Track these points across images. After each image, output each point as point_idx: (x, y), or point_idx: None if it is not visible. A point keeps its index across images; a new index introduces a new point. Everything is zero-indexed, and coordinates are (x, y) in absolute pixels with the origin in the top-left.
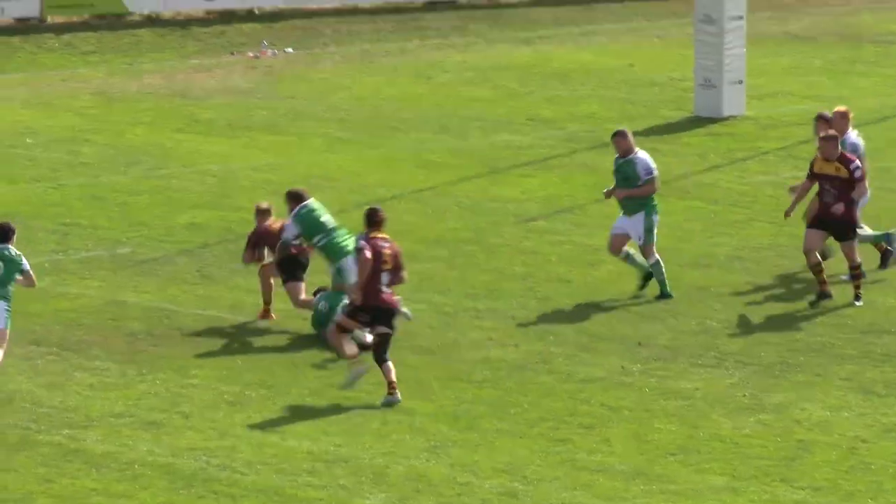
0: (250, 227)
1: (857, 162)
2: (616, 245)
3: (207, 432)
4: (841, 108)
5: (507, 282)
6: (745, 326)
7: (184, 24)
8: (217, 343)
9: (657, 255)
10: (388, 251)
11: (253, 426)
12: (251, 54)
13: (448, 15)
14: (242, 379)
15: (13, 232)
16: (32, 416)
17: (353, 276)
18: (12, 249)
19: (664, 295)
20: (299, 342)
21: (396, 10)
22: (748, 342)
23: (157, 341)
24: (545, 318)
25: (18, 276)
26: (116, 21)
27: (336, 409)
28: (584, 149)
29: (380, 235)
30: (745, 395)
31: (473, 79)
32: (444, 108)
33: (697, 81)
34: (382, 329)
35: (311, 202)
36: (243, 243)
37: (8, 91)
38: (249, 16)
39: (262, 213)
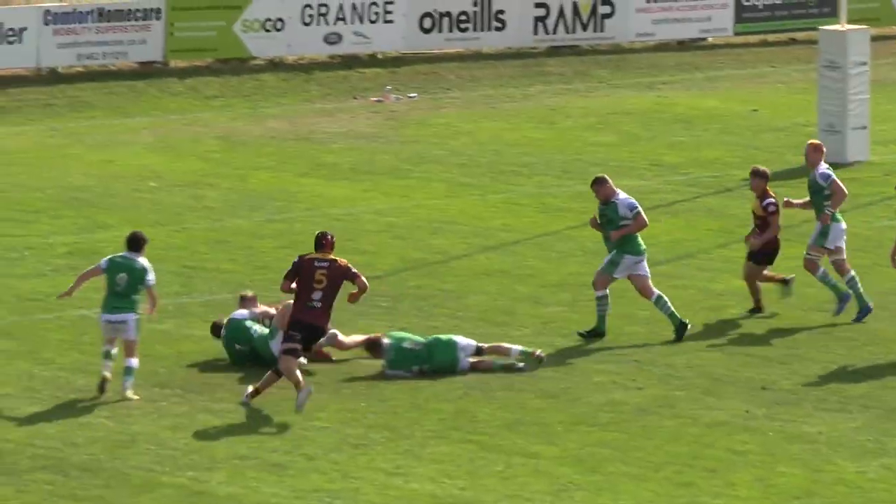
0: (375, 270)
1: None
2: (600, 283)
3: (331, 474)
4: (814, 141)
5: (630, 325)
6: (868, 370)
7: (307, 68)
8: (341, 386)
9: (656, 291)
10: (321, 271)
11: (376, 468)
12: (374, 99)
13: (571, 60)
14: (366, 421)
15: (144, 242)
16: (157, 457)
17: None
18: (140, 261)
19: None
20: (422, 385)
21: (519, 55)
22: (872, 386)
23: (282, 384)
24: (668, 362)
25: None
26: (240, 65)
27: (459, 452)
28: (708, 194)
29: (318, 255)
30: (868, 439)
31: (596, 124)
32: (567, 153)
33: (821, 127)
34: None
35: None
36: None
37: (132, 135)
38: (372, 60)
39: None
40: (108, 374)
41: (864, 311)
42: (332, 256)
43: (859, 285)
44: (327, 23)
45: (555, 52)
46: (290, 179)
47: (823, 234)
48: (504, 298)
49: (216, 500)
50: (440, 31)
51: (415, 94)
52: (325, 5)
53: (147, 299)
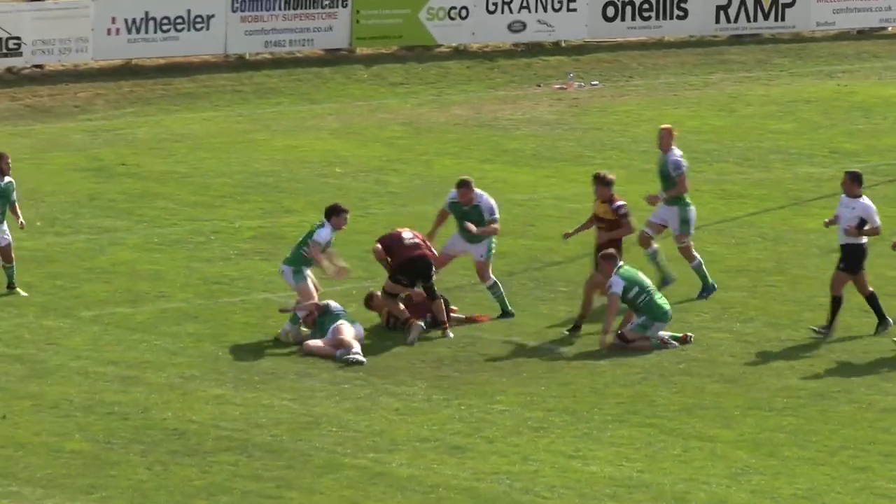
0: (555, 256)
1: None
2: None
3: (511, 457)
4: (666, 125)
5: (809, 312)
6: None
7: (491, 56)
8: (522, 369)
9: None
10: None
11: (556, 451)
12: (557, 86)
13: (752, 49)
14: (545, 405)
15: (335, 213)
16: (339, 439)
17: None
18: (320, 229)
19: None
20: (601, 369)
21: (701, 43)
22: None
23: (462, 367)
24: (846, 348)
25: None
26: (424, 53)
27: (638, 435)
28: (886, 182)
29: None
30: None
31: (776, 112)
32: (747, 141)
33: None
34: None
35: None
36: (550, 272)
37: (318, 121)
38: (556, 48)
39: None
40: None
41: (708, 289)
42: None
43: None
44: (511, 11)
45: (736, 40)
46: (474, 165)
47: (685, 221)
48: (684, 284)
49: (397, 480)
50: (623, 19)
51: (597, 82)
52: None
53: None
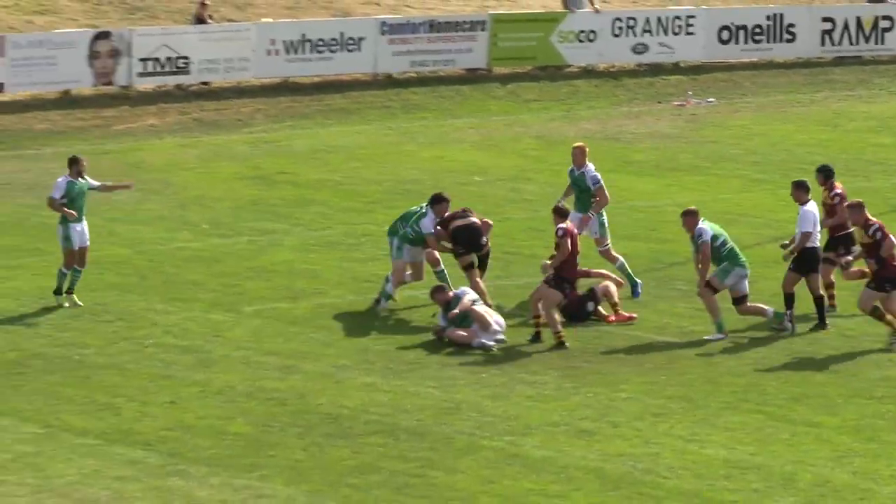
0: (676, 257)
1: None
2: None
3: (634, 440)
4: (579, 143)
5: None
6: None
7: (616, 75)
8: (644, 361)
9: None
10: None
11: (675, 435)
12: (676, 103)
13: (854, 69)
14: (665, 393)
15: (437, 202)
16: (478, 423)
17: None
18: (424, 219)
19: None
20: (716, 361)
21: (807, 64)
22: None
23: (590, 358)
24: None
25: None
26: (556, 72)
27: (750, 421)
28: None
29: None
30: None
31: (876, 127)
32: (850, 153)
33: None
34: None
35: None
36: (671, 272)
37: (459, 134)
38: (676, 68)
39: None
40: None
41: (634, 288)
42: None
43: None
44: (635, 34)
45: (840, 61)
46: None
47: (603, 225)
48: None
49: (530, 461)
50: (736, 42)
51: (713, 99)
52: (633, 18)
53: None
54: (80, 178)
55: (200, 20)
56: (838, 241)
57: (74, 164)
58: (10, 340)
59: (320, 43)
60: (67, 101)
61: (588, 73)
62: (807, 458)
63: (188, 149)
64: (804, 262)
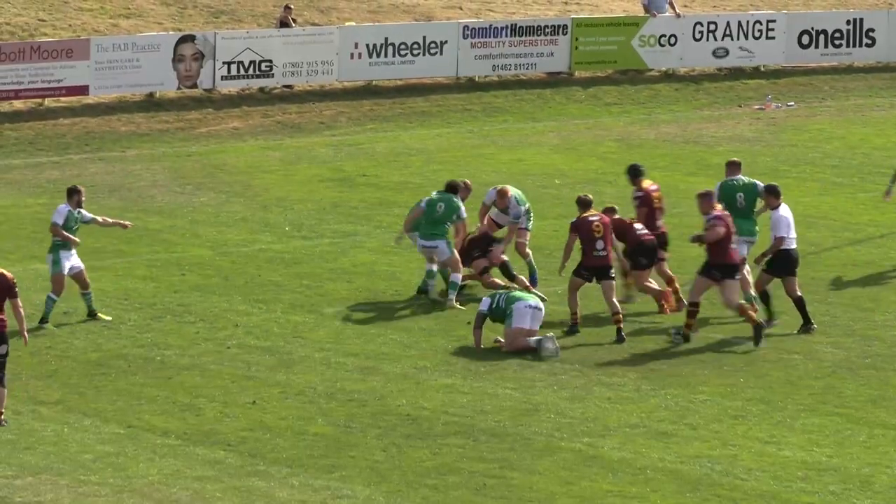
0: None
1: None
2: None
3: (712, 442)
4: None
5: None
6: None
7: (697, 79)
8: (722, 363)
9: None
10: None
11: (752, 437)
12: (756, 107)
13: None
14: (744, 395)
15: (457, 189)
16: (556, 425)
17: None
18: (457, 199)
19: None
20: (795, 362)
21: (888, 68)
22: None
23: (668, 361)
24: None
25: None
26: (637, 76)
27: (827, 424)
28: None
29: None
30: None
31: None
32: None
33: None
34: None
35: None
36: (751, 274)
37: (539, 137)
38: (756, 72)
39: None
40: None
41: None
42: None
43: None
44: (716, 38)
45: None
46: (681, 178)
47: (528, 217)
48: (871, 286)
49: (608, 463)
50: (816, 46)
51: (793, 103)
52: (714, 23)
53: (456, 232)
54: (78, 209)
55: (284, 24)
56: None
57: (74, 194)
58: (92, 341)
59: (403, 47)
60: (151, 103)
61: (668, 76)
62: (884, 461)
63: (270, 151)
64: (780, 264)
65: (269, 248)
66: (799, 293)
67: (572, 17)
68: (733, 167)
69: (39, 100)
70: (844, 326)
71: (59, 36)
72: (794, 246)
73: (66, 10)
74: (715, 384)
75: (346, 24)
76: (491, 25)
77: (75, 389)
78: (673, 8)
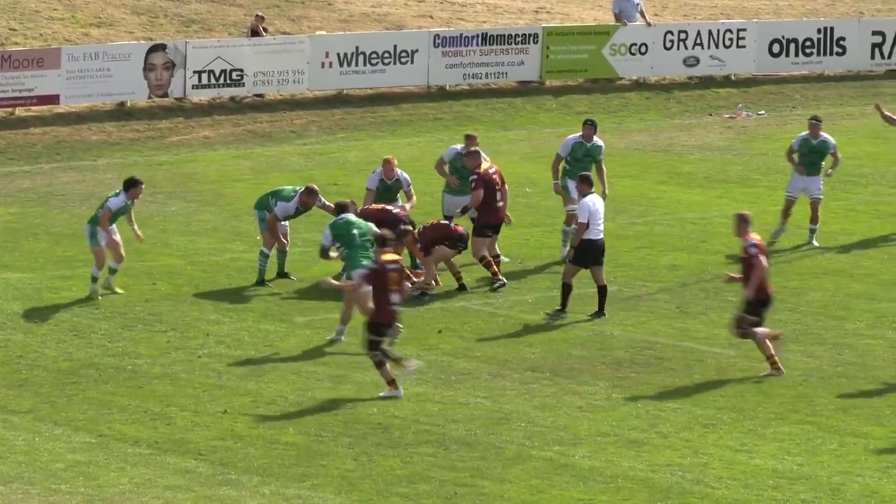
0: (725, 269)
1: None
2: None
3: (683, 450)
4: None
5: None
6: None
7: (667, 87)
8: (693, 371)
9: None
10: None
11: (723, 446)
12: (727, 115)
13: None
14: (715, 403)
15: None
16: (527, 433)
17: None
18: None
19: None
20: (760, 369)
21: (858, 77)
22: None
23: (639, 369)
24: None
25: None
26: (608, 85)
27: (798, 432)
28: None
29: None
30: None
31: None
32: None
33: None
34: None
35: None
36: (721, 283)
37: (511, 146)
38: (726, 81)
39: None
40: None
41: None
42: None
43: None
44: (686, 47)
45: (891, 74)
46: (651, 186)
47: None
48: (841, 295)
49: (580, 471)
50: (787, 55)
51: (763, 112)
52: (684, 31)
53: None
54: (133, 200)
55: (255, 33)
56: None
57: (133, 186)
58: (62, 350)
59: (374, 56)
60: (122, 112)
61: (639, 85)
62: (854, 469)
63: (242, 160)
64: (583, 254)
65: (241, 257)
66: (604, 282)
67: (543, 25)
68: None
69: (10, 109)
70: (815, 335)
71: (30, 45)
72: (600, 236)
73: (37, 20)
74: (685, 393)
75: (317, 33)
76: (462, 34)
77: (46, 398)
78: (643, 17)
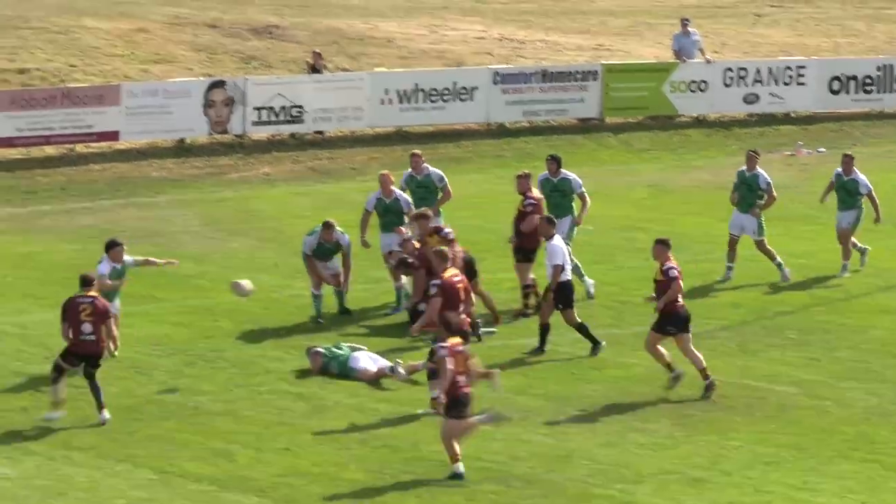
0: (785, 306)
1: None
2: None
3: (745, 488)
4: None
5: None
6: None
7: (727, 125)
8: (755, 409)
9: None
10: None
11: (786, 484)
12: (787, 153)
13: None
14: (776, 441)
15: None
16: (589, 471)
17: None
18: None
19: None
20: (827, 408)
21: None
22: None
23: (701, 407)
24: None
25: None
26: (668, 122)
27: (860, 470)
28: None
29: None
30: None
31: None
32: None
33: None
34: None
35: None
36: (781, 321)
37: None
38: (786, 118)
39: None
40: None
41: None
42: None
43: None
44: (746, 85)
45: None
46: (713, 224)
47: None
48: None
49: None
50: (847, 92)
51: (823, 149)
52: (744, 69)
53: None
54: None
55: (314, 69)
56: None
57: (112, 247)
58: (125, 387)
59: (433, 92)
60: (182, 149)
61: (699, 122)
62: None
63: (302, 197)
64: (566, 295)
65: (301, 294)
66: (579, 320)
67: (603, 62)
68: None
69: (71, 145)
70: (877, 373)
71: (90, 81)
72: (570, 277)
73: (97, 56)
74: (747, 430)
75: (376, 69)
76: (521, 71)
77: (108, 435)
78: (703, 54)
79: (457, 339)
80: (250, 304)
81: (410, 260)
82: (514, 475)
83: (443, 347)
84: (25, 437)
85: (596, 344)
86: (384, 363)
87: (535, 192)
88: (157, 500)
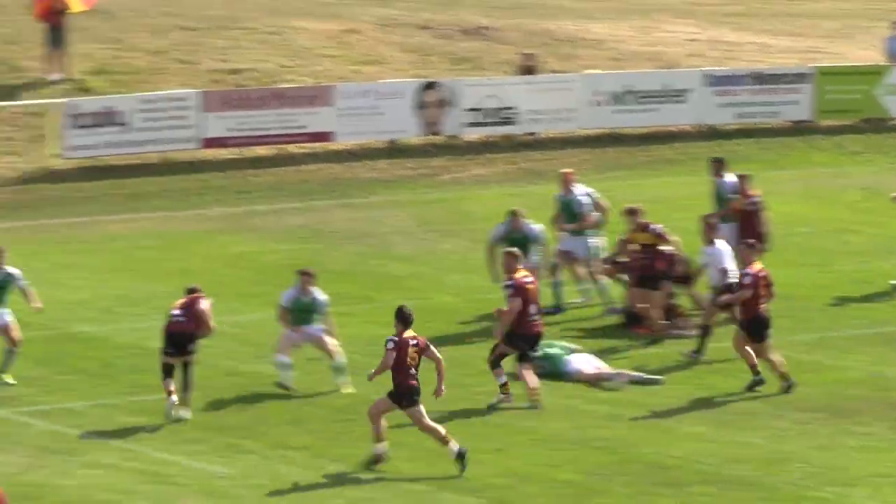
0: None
1: None
2: None
3: None
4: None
5: None
6: None
7: None
8: None
9: None
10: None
11: None
12: None
13: None
14: None
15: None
16: (803, 474)
17: None
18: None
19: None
20: None
21: None
22: None
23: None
24: None
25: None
26: (881, 124)
27: None
28: None
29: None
30: None
31: None
32: None
33: None
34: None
35: None
36: None
37: (783, 185)
38: None
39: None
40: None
41: None
42: None
43: None
44: None
45: None
46: None
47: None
48: None
49: None
50: None
51: None
52: None
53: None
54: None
55: (525, 71)
56: None
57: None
58: (336, 388)
59: (645, 94)
60: (394, 149)
61: None
62: None
63: (515, 198)
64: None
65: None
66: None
67: (815, 65)
68: None
69: (282, 146)
70: None
71: (302, 82)
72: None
73: (309, 57)
74: None
75: (587, 71)
76: (734, 73)
77: (322, 435)
78: None
79: (409, 332)
80: (463, 305)
81: (620, 259)
82: (729, 478)
83: (391, 340)
84: (241, 436)
85: (698, 352)
86: (601, 365)
87: (755, 192)
88: (375, 499)
